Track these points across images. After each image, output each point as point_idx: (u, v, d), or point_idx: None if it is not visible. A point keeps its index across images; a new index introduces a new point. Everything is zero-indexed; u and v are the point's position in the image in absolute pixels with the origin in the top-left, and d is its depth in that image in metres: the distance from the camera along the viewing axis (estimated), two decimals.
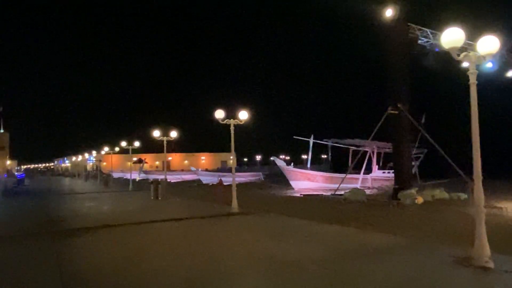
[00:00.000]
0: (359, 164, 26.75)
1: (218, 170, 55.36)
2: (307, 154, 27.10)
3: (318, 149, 28.00)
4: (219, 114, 13.85)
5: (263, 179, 37.09)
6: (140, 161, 68.77)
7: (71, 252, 8.64)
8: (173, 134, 21.96)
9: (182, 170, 65.99)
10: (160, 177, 45.36)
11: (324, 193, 21.53)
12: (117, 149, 37.41)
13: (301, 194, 21.71)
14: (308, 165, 27.03)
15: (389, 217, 13.06)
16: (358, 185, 22.52)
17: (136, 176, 34.74)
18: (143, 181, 44.15)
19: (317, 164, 26.95)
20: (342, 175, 24.61)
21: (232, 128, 14.16)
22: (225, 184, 31.97)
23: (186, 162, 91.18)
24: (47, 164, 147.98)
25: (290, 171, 26.49)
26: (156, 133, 21.40)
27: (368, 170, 25.74)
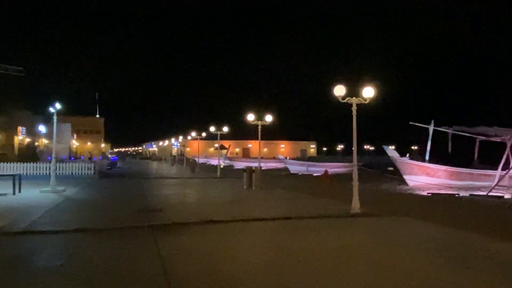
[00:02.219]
0: (488, 158, 22.35)
1: (304, 159, 52.70)
2: (426, 144, 23.15)
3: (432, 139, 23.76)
4: (340, 90, 11.26)
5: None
6: (222, 147, 69.12)
7: (181, 254, 6.91)
8: (268, 118, 19.92)
9: (262, 158, 64.75)
10: (245, 164, 44.20)
11: (460, 193, 17.74)
12: (204, 134, 36.76)
13: (428, 193, 18.19)
14: (427, 157, 23.10)
15: None
16: (492, 183, 18.36)
17: (221, 162, 33.81)
18: (227, 168, 43.47)
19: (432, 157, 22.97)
20: (472, 170, 20.54)
21: (354, 108, 11.50)
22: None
23: (265, 149, 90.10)
24: (136, 148, 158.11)
25: (405, 163, 22.83)
26: (251, 117, 19.51)
27: (506, 166, 21.21)
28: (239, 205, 13.72)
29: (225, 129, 28.01)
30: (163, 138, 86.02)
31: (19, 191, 16.12)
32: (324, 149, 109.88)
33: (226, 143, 63.25)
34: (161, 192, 18.08)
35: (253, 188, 18.72)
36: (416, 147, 63.77)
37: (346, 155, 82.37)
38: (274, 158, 58.77)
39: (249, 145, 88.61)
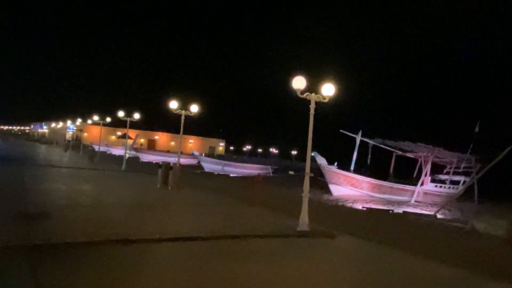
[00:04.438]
0: (401, 173, 22.80)
1: (216, 157, 50.02)
2: (352, 154, 22.58)
3: (350, 149, 23.46)
4: (299, 83, 9.33)
5: (271, 174, 32.53)
6: (125, 136, 63.25)
7: None
8: (194, 108, 17.24)
9: (168, 152, 60.83)
10: (154, 157, 40.36)
11: (393, 208, 17.13)
12: (108, 119, 32.19)
13: (363, 207, 17.23)
14: (352, 167, 22.52)
15: None
16: (412, 198, 18.38)
17: (126, 153, 29.91)
18: (132, 160, 39.06)
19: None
20: (393, 184, 20.46)
21: (312, 106, 9.66)
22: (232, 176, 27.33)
23: (172, 143, 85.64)
24: (23, 128, 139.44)
25: (333, 172, 21.90)
26: (174, 104, 16.60)
27: (416, 181, 21.69)
28: (157, 212, 10.91)
29: (137, 115, 24.35)
30: (56, 119, 76.18)
31: None
32: (231, 148, 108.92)
33: (131, 133, 57.99)
34: (50, 187, 14.23)
35: (169, 188, 15.91)
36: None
37: (264, 157, 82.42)
38: (181, 153, 55.42)
39: (156, 137, 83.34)
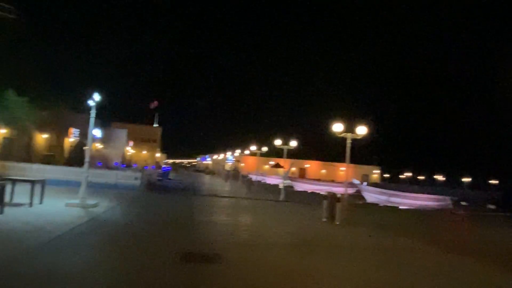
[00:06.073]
0: None
1: (378, 186, 45.67)
2: None
3: None
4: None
5: (451, 207, 27.23)
6: (278, 165, 64.37)
7: None
8: (361, 130, 14.96)
9: (319, 180, 59.02)
10: (309, 186, 39.04)
11: None
12: (265, 148, 32.38)
13: None
14: None
15: None
16: None
17: (281, 182, 29.29)
18: (287, 189, 38.45)
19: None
20: None
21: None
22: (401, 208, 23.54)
23: (323, 171, 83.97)
24: (191, 160, 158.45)
25: None
26: (338, 127, 14.65)
27: None
28: (328, 257, 8.88)
29: (293, 143, 23.37)
30: (218, 151, 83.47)
31: (40, 202, 12.59)
32: (386, 175, 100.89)
33: (282, 161, 58.56)
34: (216, 219, 13.75)
35: (337, 222, 13.77)
36: None
37: (414, 183, 74.04)
38: (333, 181, 52.80)
39: (306, 165, 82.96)
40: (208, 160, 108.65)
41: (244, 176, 42.21)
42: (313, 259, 8.39)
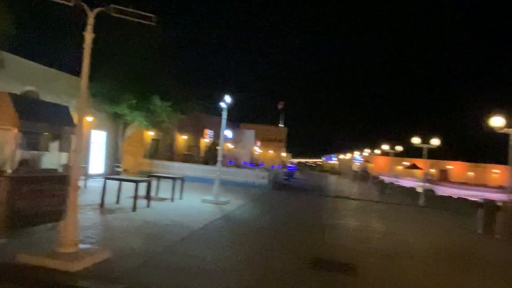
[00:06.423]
0: None
1: None
2: None
3: None
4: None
5: None
6: (414, 166, 59.09)
7: None
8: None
9: (464, 183, 51.89)
10: (453, 190, 34.70)
11: None
12: (399, 148, 29.83)
13: None
14: None
15: None
16: None
17: (419, 185, 26.45)
18: (427, 193, 34.82)
19: None
20: None
21: None
22: None
23: (470, 173, 73.90)
24: (316, 160, 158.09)
25: None
26: (498, 121, 12.28)
27: None
28: (509, 280, 7.25)
29: (435, 141, 20.77)
30: (344, 151, 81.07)
31: (180, 197, 13.62)
32: None
33: (420, 162, 53.43)
34: (345, 223, 12.87)
35: (496, 236, 11.54)
36: None
37: None
38: (484, 185, 45.84)
39: (449, 166, 74.03)
40: (333, 160, 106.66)
41: (375, 177, 39.77)
42: (470, 277, 6.98)
